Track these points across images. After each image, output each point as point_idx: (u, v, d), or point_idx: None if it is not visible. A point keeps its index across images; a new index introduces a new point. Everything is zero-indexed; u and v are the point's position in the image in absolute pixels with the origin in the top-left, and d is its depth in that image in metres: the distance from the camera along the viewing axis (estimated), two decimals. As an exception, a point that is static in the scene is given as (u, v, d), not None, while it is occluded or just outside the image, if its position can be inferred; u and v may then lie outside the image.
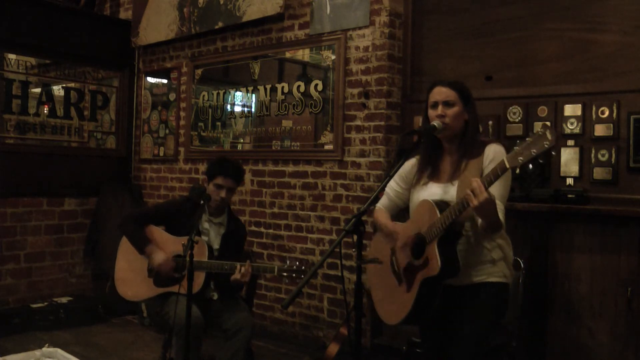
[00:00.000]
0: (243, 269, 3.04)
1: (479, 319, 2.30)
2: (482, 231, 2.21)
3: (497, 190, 2.18)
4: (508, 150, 2.27)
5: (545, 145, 1.90)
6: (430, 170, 2.40)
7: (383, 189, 2.35)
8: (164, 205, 3.58)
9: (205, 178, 3.32)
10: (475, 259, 2.30)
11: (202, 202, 3.23)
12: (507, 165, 1.99)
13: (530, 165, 3.46)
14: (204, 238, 3.23)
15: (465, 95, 2.34)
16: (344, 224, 2.71)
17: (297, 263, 3.08)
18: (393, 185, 2.55)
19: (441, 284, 2.24)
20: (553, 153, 1.94)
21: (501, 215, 2.16)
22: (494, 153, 2.25)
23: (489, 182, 2.03)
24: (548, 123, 1.93)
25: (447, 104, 2.31)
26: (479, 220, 2.19)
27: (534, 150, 1.91)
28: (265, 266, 3.16)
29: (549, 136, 1.90)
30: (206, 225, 3.28)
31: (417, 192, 2.41)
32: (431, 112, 2.34)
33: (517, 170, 3.44)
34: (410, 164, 2.49)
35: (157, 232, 3.27)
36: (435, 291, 2.25)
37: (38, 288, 5.11)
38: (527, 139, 1.95)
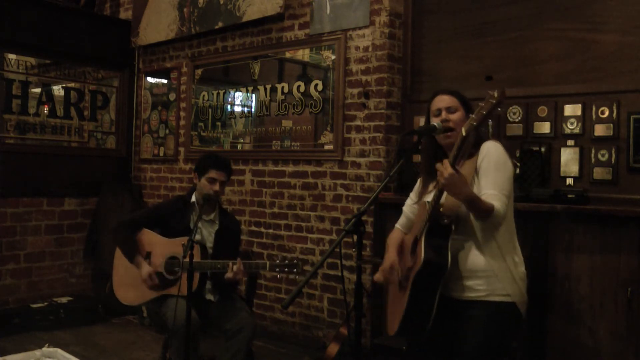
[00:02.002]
0: (235, 267, 3.04)
1: (473, 346, 2.21)
2: (475, 219, 2.17)
3: (489, 178, 2.17)
4: (506, 147, 2.29)
5: (491, 102, 1.96)
6: (435, 180, 2.39)
7: (383, 189, 2.34)
8: (156, 207, 3.55)
9: (195, 175, 3.30)
10: (471, 267, 2.22)
11: (192, 200, 3.29)
12: (464, 133, 2.02)
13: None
14: (197, 237, 3.22)
15: (466, 102, 2.38)
16: (344, 224, 2.71)
17: (289, 257, 3.08)
18: (409, 202, 2.58)
19: (434, 285, 2.17)
20: (499, 109, 1.99)
21: (497, 203, 2.11)
22: (487, 149, 2.24)
23: (453, 156, 2.06)
24: (491, 92, 1.99)
25: (450, 109, 2.33)
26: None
27: (483, 111, 1.98)
28: (258, 262, 3.16)
29: (495, 95, 1.97)
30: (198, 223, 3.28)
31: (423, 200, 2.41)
32: (434, 120, 2.35)
33: (517, 170, 3.45)
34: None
35: (151, 236, 3.26)
36: (427, 293, 2.17)
37: (38, 288, 5.11)
38: (480, 103, 2.02)
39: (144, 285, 3.17)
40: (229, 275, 3.05)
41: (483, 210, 2.10)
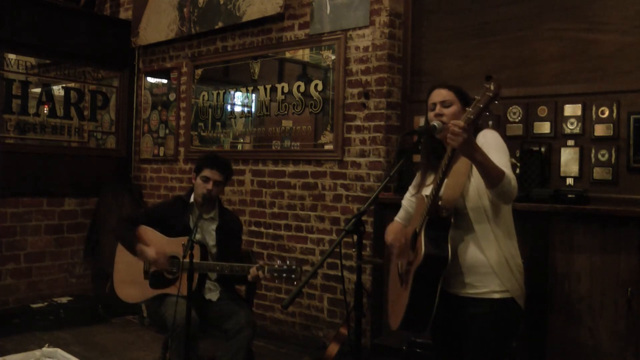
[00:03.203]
0: (252, 273, 3.03)
1: (477, 347, 2.22)
2: (488, 189, 2.13)
3: (492, 158, 2.13)
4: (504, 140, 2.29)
5: (488, 95, 1.95)
6: (434, 174, 2.39)
7: (383, 189, 2.33)
8: (155, 207, 3.57)
9: (193, 175, 3.31)
10: (469, 262, 2.22)
11: (191, 200, 3.29)
12: (461, 125, 2.01)
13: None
14: (198, 236, 3.22)
15: (464, 96, 2.36)
16: (344, 224, 2.71)
17: (288, 262, 3.06)
18: (408, 196, 2.59)
19: (435, 279, 2.17)
20: (496, 102, 1.98)
21: (507, 170, 2.08)
22: (483, 135, 2.24)
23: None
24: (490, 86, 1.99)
25: (445, 104, 2.32)
26: (472, 196, 2.17)
27: (480, 104, 1.97)
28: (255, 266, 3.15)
29: (491, 87, 1.96)
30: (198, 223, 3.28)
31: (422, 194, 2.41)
32: (430, 114, 2.36)
33: (517, 170, 3.45)
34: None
35: (152, 234, 3.27)
36: (429, 287, 2.17)
37: (38, 288, 5.11)
38: (476, 97, 2.01)
39: (158, 264, 3.16)
40: (249, 278, 3.07)
41: (495, 174, 2.06)
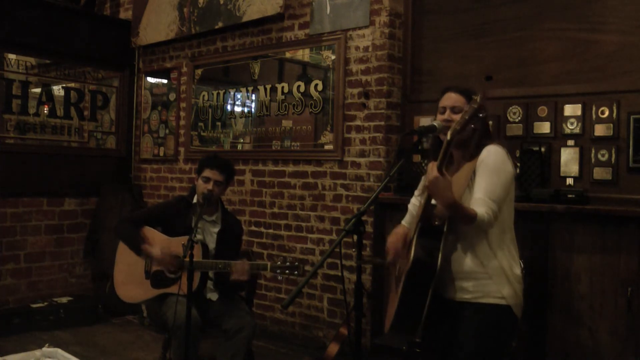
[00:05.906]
0: (240, 267, 3.05)
1: (468, 351, 2.21)
2: (461, 224, 2.17)
3: (481, 183, 2.16)
4: (506, 147, 2.29)
5: (473, 107, 2.01)
6: None
7: (383, 189, 2.33)
8: (158, 206, 3.59)
9: (195, 175, 3.33)
10: (464, 268, 2.22)
11: (194, 201, 3.29)
12: (448, 137, 2.06)
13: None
14: (199, 237, 3.23)
15: None
16: (344, 224, 2.71)
17: (290, 259, 3.09)
18: (413, 201, 2.59)
19: (425, 284, 2.17)
20: (480, 115, 2.03)
21: (482, 208, 2.09)
22: (487, 153, 2.22)
23: (439, 160, 2.07)
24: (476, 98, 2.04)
25: (455, 110, 2.32)
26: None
27: (466, 116, 2.03)
28: (259, 264, 3.17)
29: (477, 99, 2.02)
30: (200, 223, 3.28)
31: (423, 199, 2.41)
32: (439, 117, 2.36)
33: (517, 170, 3.45)
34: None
35: (154, 234, 3.27)
36: (418, 292, 2.17)
37: (38, 288, 5.11)
38: (464, 108, 2.08)
39: (164, 262, 3.17)
40: (234, 276, 3.05)
41: (465, 217, 2.10)
